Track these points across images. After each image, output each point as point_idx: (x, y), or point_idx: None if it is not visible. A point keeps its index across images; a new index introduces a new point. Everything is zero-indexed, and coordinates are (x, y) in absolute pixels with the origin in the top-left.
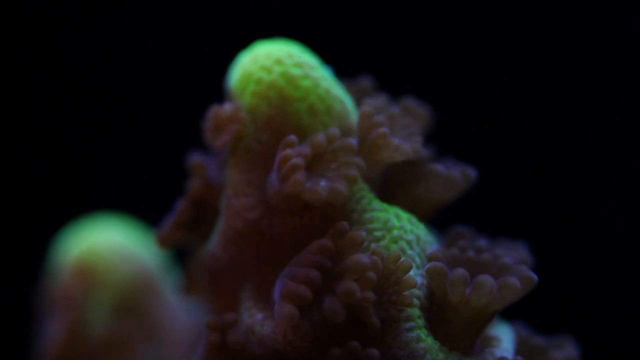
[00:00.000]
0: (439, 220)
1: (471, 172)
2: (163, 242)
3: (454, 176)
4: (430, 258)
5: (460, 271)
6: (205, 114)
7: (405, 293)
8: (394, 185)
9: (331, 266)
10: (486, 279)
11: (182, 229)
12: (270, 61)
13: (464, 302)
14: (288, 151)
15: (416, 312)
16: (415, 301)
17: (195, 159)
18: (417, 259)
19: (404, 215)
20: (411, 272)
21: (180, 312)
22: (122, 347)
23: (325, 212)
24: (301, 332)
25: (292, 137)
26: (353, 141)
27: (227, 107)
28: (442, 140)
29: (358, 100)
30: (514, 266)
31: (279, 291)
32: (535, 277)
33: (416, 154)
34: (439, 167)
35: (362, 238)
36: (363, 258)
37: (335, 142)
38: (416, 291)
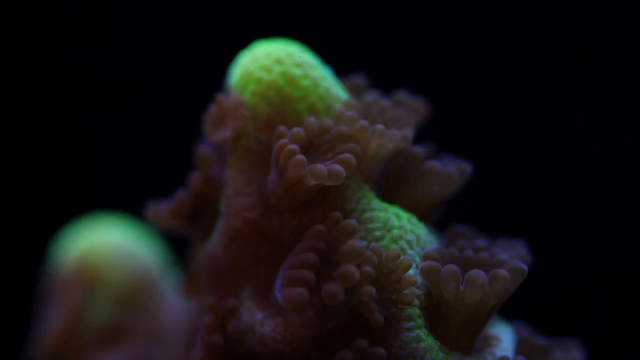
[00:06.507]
0: (440, 218)
1: (467, 167)
2: (153, 219)
3: (450, 173)
4: (426, 257)
5: (451, 267)
6: (209, 106)
7: (406, 292)
8: (392, 184)
9: (326, 250)
10: (477, 274)
11: (176, 218)
12: (270, 61)
13: (459, 299)
14: (282, 140)
15: (416, 311)
16: (416, 300)
17: (203, 150)
18: (417, 259)
19: (404, 215)
20: (411, 271)
21: (180, 312)
22: (121, 345)
23: (326, 211)
24: (304, 320)
25: (282, 128)
26: (346, 128)
27: (232, 97)
28: (440, 138)
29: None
30: (508, 261)
31: (280, 282)
32: (524, 268)
33: (406, 141)
34: (435, 165)
35: (354, 226)
36: (357, 243)
37: (330, 131)
38: (416, 290)
